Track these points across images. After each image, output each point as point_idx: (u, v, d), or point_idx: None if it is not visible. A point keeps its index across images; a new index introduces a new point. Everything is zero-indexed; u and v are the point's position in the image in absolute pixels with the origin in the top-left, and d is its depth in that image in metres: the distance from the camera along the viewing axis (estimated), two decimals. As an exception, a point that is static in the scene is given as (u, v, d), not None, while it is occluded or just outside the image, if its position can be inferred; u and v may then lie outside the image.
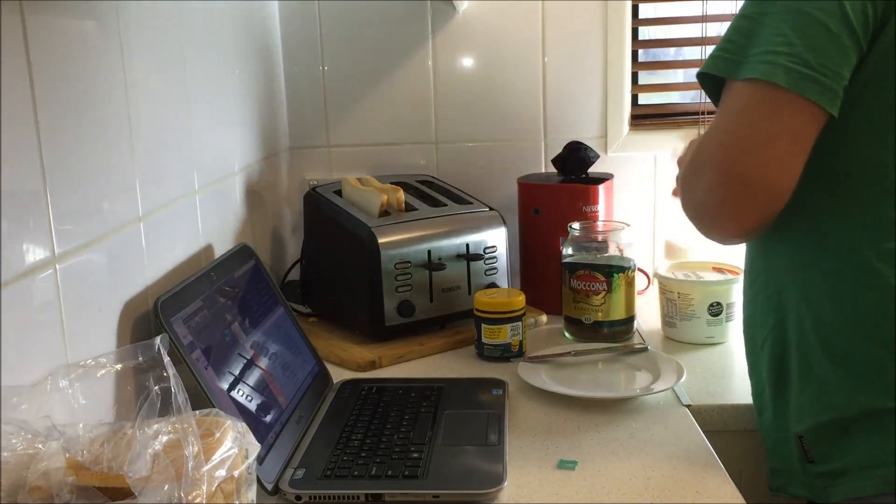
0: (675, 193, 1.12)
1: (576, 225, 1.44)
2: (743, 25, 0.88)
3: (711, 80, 0.92)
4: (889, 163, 0.87)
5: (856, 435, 0.92)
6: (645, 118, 1.78)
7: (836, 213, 0.91)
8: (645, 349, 1.32)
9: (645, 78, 1.81)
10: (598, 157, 1.59)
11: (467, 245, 1.44)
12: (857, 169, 0.89)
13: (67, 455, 0.64)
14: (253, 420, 0.97)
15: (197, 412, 0.71)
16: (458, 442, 1.03)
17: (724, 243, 1.00)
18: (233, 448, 0.69)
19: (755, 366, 1.07)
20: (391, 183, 1.53)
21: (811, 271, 0.94)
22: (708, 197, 0.89)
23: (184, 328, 0.94)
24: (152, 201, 1.05)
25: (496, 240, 1.47)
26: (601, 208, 1.53)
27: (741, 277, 1.14)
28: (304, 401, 1.12)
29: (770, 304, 1.00)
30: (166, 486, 0.62)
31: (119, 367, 0.74)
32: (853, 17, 0.83)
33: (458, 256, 1.43)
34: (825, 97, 0.83)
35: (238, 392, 0.98)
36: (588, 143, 1.61)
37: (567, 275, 1.42)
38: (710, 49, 0.94)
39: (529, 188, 1.59)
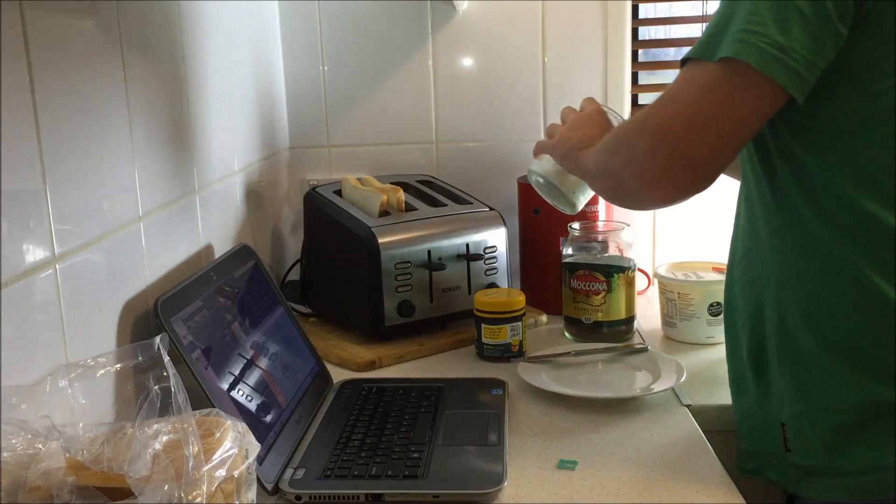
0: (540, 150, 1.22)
1: (576, 225, 1.44)
2: (725, 12, 0.86)
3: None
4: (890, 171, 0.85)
5: (846, 435, 0.90)
6: (645, 118, 1.78)
7: (821, 216, 0.90)
8: (645, 349, 1.32)
9: (645, 78, 1.81)
10: (598, 157, 1.59)
11: (467, 245, 1.44)
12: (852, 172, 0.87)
13: (67, 455, 0.64)
14: (253, 420, 0.97)
15: (197, 412, 0.71)
16: (458, 442, 1.03)
17: (640, 208, 1.08)
18: (233, 448, 0.69)
19: (735, 349, 1.06)
20: (391, 183, 1.53)
21: (790, 261, 0.93)
22: (648, 160, 0.88)
23: (184, 328, 0.94)
24: (152, 201, 1.05)
25: (496, 240, 1.47)
26: (601, 208, 1.53)
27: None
28: (304, 401, 1.12)
29: (750, 289, 1.00)
30: (166, 486, 0.62)
31: (119, 366, 0.74)
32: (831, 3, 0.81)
33: (458, 256, 1.43)
34: (793, 81, 0.81)
35: (238, 392, 0.98)
36: (588, 143, 1.61)
37: (567, 275, 1.42)
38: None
39: (529, 188, 1.58)
